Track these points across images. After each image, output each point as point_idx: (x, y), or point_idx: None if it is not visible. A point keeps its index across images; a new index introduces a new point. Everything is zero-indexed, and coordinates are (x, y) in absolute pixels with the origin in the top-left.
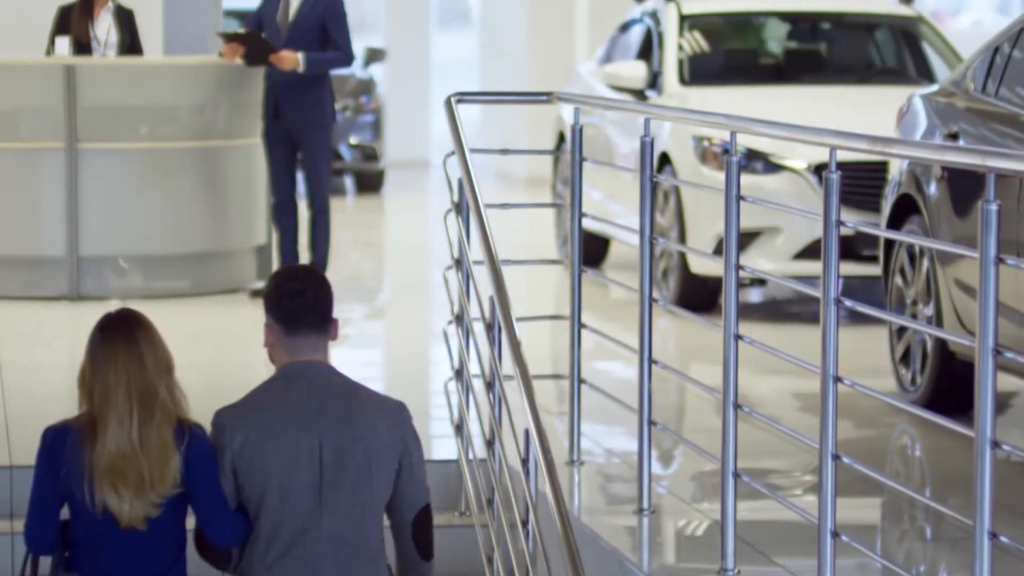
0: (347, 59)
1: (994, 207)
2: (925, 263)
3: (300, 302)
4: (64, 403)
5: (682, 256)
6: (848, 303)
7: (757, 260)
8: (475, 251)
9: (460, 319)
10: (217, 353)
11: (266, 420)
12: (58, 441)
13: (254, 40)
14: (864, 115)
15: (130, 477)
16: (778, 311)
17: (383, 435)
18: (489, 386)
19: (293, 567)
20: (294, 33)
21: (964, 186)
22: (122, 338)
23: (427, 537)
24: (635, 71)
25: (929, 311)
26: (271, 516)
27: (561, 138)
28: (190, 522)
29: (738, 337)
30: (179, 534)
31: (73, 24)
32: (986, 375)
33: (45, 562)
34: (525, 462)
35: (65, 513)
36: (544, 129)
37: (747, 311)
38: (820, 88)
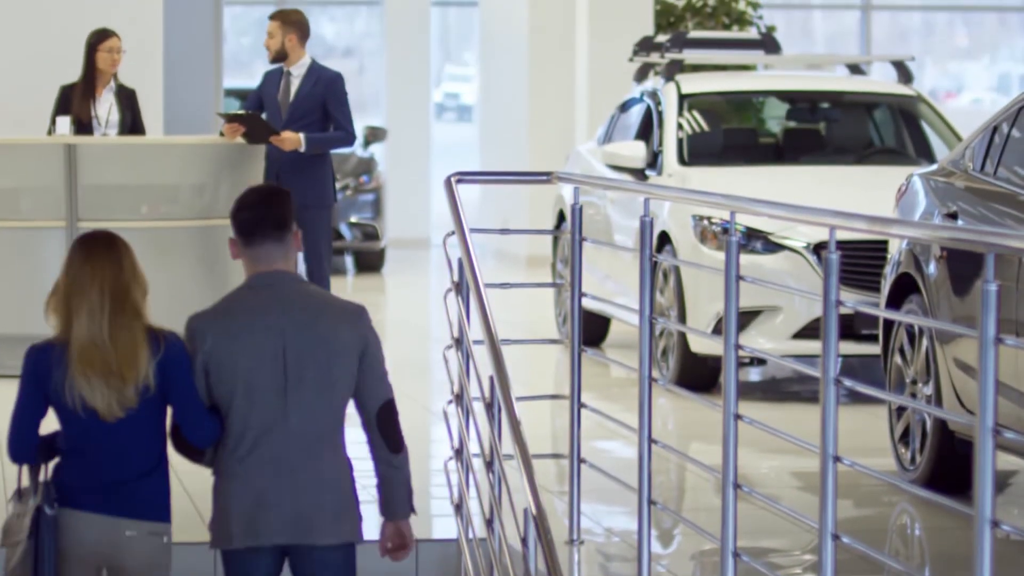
0: (349, 138)
1: (993, 287)
2: (924, 342)
3: (252, 214)
4: None
5: (682, 335)
6: (847, 383)
7: (757, 339)
8: (475, 330)
9: (460, 398)
10: None
11: (234, 326)
12: (42, 356)
13: (254, 121)
14: (863, 194)
15: (98, 366)
16: (778, 390)
17: (343, 337)
18: (489, 465)
19: (261, 461)
20: (295, 112)
21: (963, 265)
22: (102, 246)
23: (393, 431)
24: (635, 151)
25: (928, 390)
26: (240, 414)
27: (561, 217)
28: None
29: (738, 416)
30: (159, 438)
31: (75, 103)
32: (985, 454)
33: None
34: (525, 541)
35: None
36: (544, 208)
37: (747, 390)
38: (819, 167)
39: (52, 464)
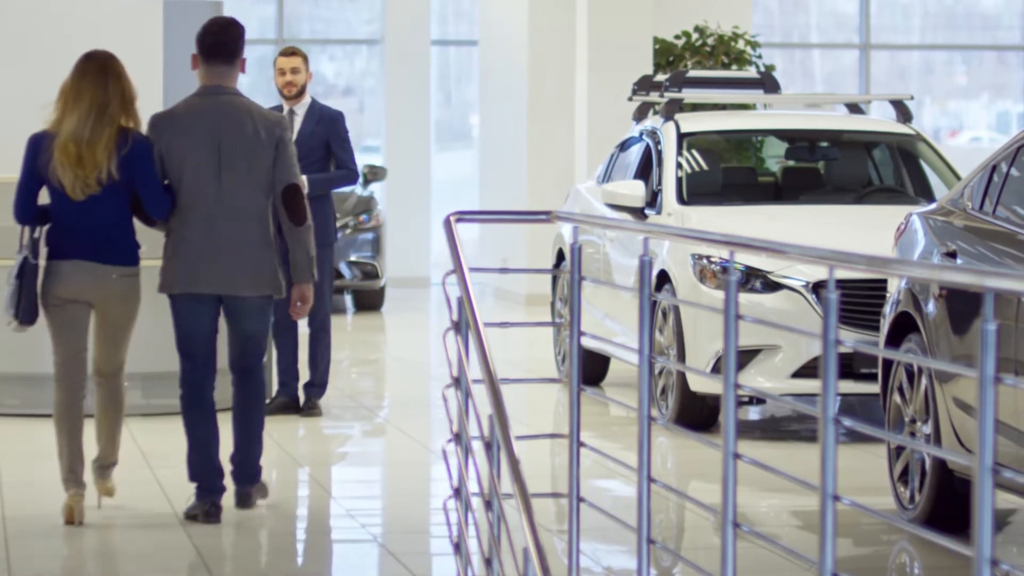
0: (352, 176)
1: (992, 327)
2: (924, 381)
3: (212, 42)
4: (63, 522)
5: (681, 374)
6: (846, 422)
7: (756, 378)
8: (474, 369)
9: (459, 437)
10: None
11: (184, 124)
12: (39, 140)
13: None
14: (863, 233)
15: (72, 157)
16: (777, 429)
17: (263, 136)
18: (488, 504)
19: (201, 227)
20: (298, 151)
21: (962, 304)
22: (95, 70)
23: (295, 208)
24: (634, 189)
25: (927, 429)
26: (186, 190)
27: (560, 256)
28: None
29: (737, 455)
30: (125, 212)
31: None
32: (984, 493)
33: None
34: None
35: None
36: (543, 247)
37: (746, 429)
38: (819, 206)
39: (46, 228)
